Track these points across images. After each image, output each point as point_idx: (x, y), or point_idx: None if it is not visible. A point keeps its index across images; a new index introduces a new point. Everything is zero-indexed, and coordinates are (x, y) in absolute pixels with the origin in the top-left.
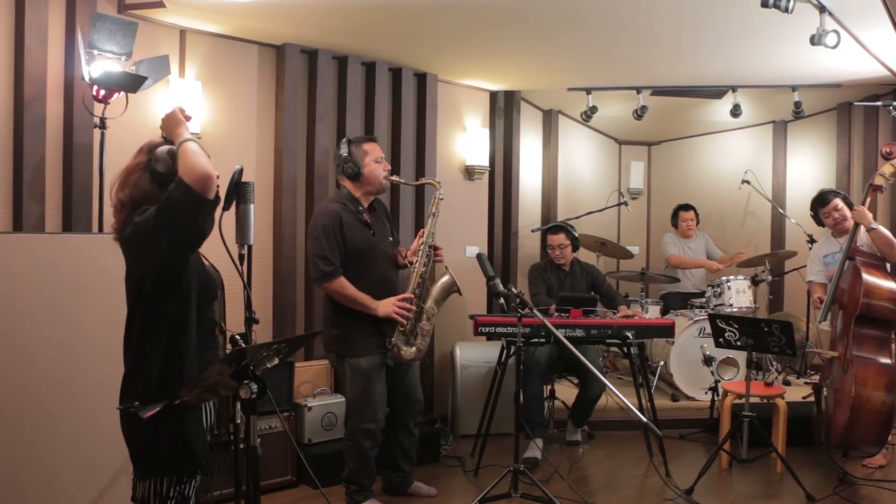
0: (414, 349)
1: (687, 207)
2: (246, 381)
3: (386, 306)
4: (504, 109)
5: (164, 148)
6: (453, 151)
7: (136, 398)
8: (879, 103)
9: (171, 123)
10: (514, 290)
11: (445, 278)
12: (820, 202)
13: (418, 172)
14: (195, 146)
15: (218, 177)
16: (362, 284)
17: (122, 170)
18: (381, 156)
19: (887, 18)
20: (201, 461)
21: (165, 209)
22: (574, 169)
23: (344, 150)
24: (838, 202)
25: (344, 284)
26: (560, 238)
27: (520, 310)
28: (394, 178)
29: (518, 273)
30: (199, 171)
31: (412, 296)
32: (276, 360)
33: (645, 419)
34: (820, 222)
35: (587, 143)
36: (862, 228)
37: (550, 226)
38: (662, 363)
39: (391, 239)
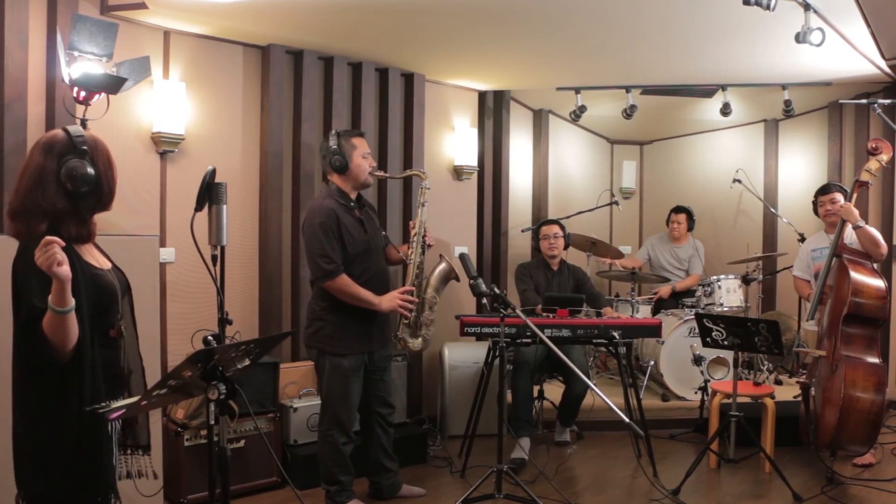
0: (420, 340)
1: (679, 210)
2: (214, 382)
3: (389, 301)
4: (493, 109)
5: (78, 162)
6: (441, 152)
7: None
8: (866, 101)
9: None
10: (496, 289)
11: (442, 265)
12: (821, 190)
13: None
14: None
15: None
16: (361, 282)
17: (22, 170)
18: (368, 152)
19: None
20: None
21: (19, 323)
22: (565, 169)
23: (333, 143)
24: (836, 196)
25: (347, 282)
26: (555, 228)
27: (502, 310)
28: (378, 172)
29: (508, 273)
30: (62, 353)
31: (412, 288)
32: (247, 361)
33: (627, 418)
34: (817, 211)
35: (578, 142)
36: (849, 226)
37: (545, 220)
38: (652, 363)
39: (384, 233)
